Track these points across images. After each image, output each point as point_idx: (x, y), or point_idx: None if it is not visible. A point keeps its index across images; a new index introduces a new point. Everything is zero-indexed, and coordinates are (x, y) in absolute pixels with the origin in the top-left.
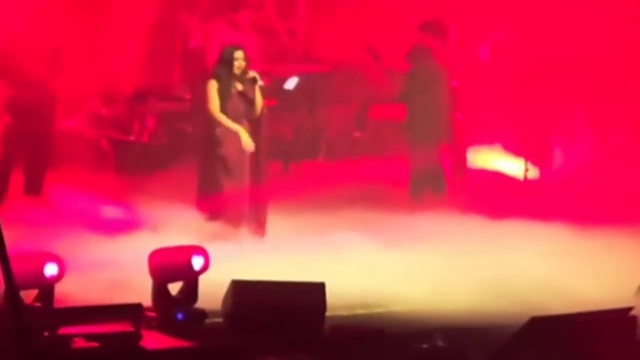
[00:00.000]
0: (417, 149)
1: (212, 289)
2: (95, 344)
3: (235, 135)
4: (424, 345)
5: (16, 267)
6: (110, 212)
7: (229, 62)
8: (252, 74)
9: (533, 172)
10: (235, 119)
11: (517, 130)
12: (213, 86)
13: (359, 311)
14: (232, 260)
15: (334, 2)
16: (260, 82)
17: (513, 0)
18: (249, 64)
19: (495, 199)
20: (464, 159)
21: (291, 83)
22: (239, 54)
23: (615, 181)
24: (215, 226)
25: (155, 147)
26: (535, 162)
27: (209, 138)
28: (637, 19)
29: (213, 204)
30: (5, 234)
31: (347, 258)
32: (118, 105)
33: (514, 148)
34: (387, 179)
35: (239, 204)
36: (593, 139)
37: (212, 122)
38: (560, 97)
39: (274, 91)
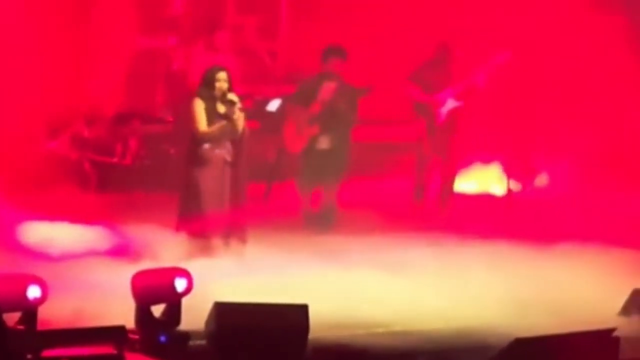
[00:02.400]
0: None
1: (195, 311)
2: None
3: (217, 157)
4: None
5: None
6: (93, 234)
7: (210, 83)
8: (230, 96)
9: (515, 192)
10: (218, 140)
11: (502, 150)
12: (199, 105)
13: (342, 332)
14: (215, 282)
15: (316, 23)
16: (238, 105)
17: (511, 27)
18: (232, 85)
19: (478, 219)
20: (453, 180)
21: (273, 105)
22: (221, 75)
23: (593, 202)
24: (197, 248)
25: (138, 168)
26: (518, 182)
27: (190, 160)
28: (624, 46)
29: (195, 225)
30: None
31: (329, 279)
32: (101, 127)
33: (500, 167)
34: (367, 200)
35: (220, 225)
36: (575, 162)
37: (194, 144)
38: (545, 120)
39: (256, 113)
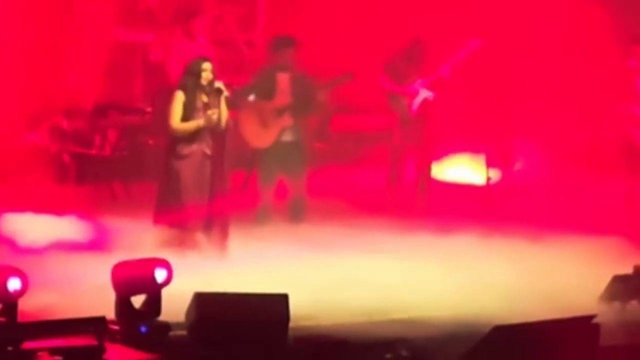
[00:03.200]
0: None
1: (176, 302)
2: (59, 358)
3: (196, 151)
4: (388, 356)
5: None
6: (73, 225)
7: (196, 73)
8: (218, 84)
9: (495, 180)
10: (200, 130)
11: (479, 139)
12: (179, 98)
13: (322, 322)
14: (196, 273)
15: (294, 13)
16: (225, 93)
17: (485, 15)
18: (215, 76)
19: (455, 209)
20: (429, 170)
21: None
22: (207, 66)
23: (573, 191)
24: (177, 239)
25: (117, 159)
26: (498, 171)
27: (169, 152)
28: (599, 32)
29: (174, 217)
30: None
31: (309, 269)
32: (80, 119)
33: (477, 157)
34: (346, 190)
35: (201, 216)
36: (555, 150)
37: (173, 137)
38: (522, 110)
39: (234, 103)
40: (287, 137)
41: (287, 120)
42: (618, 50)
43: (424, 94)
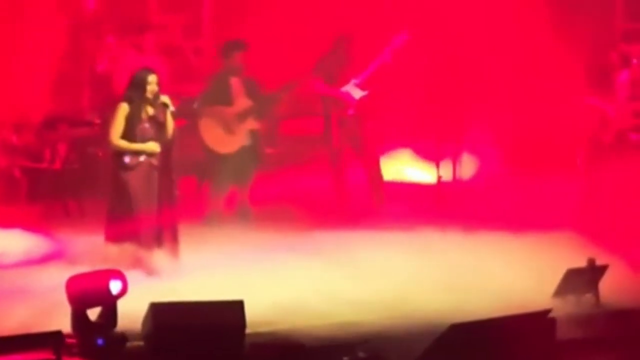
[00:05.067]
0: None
1: (132, 312)
2: None
3: (143, 162)
4: (345, 358)
5: None
6: (26, 241)
7: (141, 85)
8: (163, 99)
9: (446, 178)
10: (145, 143)
11: (428, 136)
12: (123, 110)
13: (279, 326)
14: (151, 283)
15: (240, 19)
16: (171, 108)
17: (417, 6)
18: (161, 88)
19: (408, 208)
20: (378, 169)
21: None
22: (152, 78)
23: (525, 187)
24: (130, 250)
25: (68, 173)
26: (447, 170)
27: (116, 165)
28: (546, 27)
29: (125, 228)
30: None
31: (264, 274)
32: (29, 133)
33: (425, 154)
34: (296, 193)
35: (152, 226)
36: (503, 147)
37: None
38: (473, 105)
39: (183, 111)
40: (246, 141)
41: (251, 123)
42: (572, 43)
43: (358, 93)
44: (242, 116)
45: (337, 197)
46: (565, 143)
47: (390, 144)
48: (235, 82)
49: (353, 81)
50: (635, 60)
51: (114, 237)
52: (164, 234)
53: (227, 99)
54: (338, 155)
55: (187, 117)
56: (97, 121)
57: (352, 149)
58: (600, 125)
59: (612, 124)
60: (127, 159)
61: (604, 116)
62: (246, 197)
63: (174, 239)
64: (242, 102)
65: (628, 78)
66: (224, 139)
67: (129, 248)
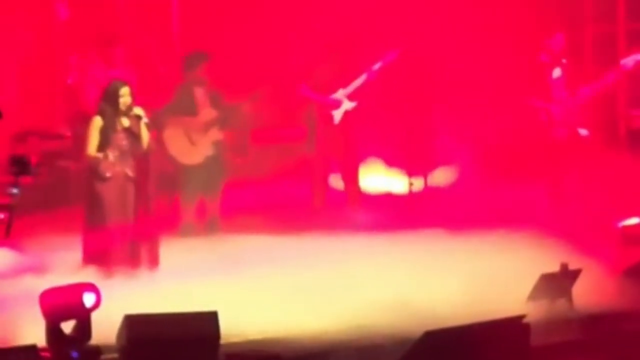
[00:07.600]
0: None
1: (106, 325)
2: None
3: (117, 174)
4: None
5: None
6: None
7: (114, 98)
8: (137, 110)
9: (417, 186)
10: (121, 155)
11: (399, 145)
12: (97, 124)
13: (254, 337)
14: (126, 295)
15: (210, 28)
16: (145, 119)
17: (402, 24)
18: (134, 99)
19: (383, 217)
20: (356, 179)
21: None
22: (124, 91)
23: (495, 192)
24: (104, 262)
25: (39, 186)
26: (419, 179)
27: (91, 176)
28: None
29: (99, 239)
30: None
31: (238, 284)
32: None
33: (396, 163)
34: (268, 203)
35: (128, 238)
36: (475, 153)
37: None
38: (441, 111)
39: (154, 123)
40: (210, 151)
41: (215, 133)
42: (532, 46)
43: (347, 104)
44: (207, 127)
45: (317, 204)
46: (525, 146)
47: (362, 155)
48: (199, 92)
49: (342, 91)
50: (564, 60)
51: (88, 246)
52: (140, 246)
53: (191, 110)
54: (321, 164)
55: (157, 129)
56: (68, 134)
57: (334, 158)
58: (549, 124)
59: (560, 122)
60: (102, 171)
61: (550, 116)
62: (216, 208)
63: (153, 250)
64: (207, 113)
65: (561, 76)
66: (189, 149)
67: (103, 258)
